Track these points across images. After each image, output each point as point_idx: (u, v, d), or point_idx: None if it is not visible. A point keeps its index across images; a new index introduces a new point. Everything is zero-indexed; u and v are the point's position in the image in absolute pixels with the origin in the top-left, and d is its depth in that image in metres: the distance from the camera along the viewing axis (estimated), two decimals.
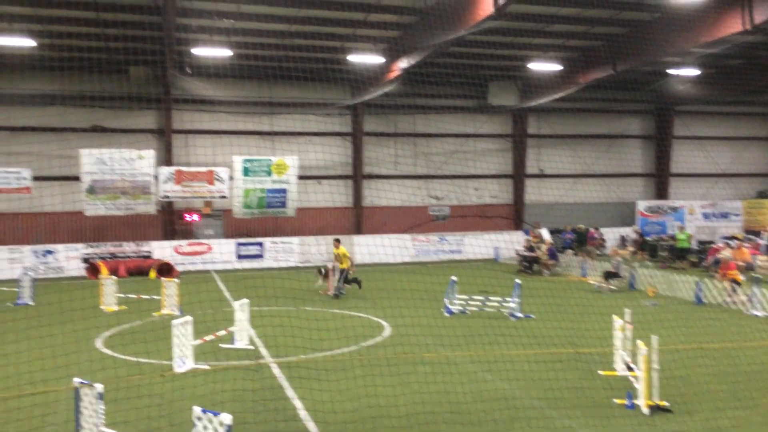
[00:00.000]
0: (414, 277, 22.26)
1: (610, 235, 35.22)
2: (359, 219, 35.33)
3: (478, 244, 33.24)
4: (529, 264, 27.13)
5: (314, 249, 32.47)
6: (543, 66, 31.38)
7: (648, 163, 40.82)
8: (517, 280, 17.39)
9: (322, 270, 22.27)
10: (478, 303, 17.62)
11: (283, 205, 31.59)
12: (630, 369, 10.53)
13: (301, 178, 31.96)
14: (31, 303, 20.34)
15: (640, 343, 9.32)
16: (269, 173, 31.18)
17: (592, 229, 33.89)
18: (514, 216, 38.02)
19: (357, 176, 35.28)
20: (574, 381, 10.61)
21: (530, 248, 27.84)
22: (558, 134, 38.53)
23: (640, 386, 9.31)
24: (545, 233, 29.93)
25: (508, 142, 38.00)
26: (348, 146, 35.43)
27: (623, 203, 38.95)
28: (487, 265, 29.32)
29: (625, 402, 9.43)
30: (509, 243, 32.33)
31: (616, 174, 39.42)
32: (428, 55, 26.37)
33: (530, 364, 11.68)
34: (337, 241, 22.07)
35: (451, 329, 15.04)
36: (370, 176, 35.68)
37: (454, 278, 17.69)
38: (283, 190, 31.43)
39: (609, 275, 21.94)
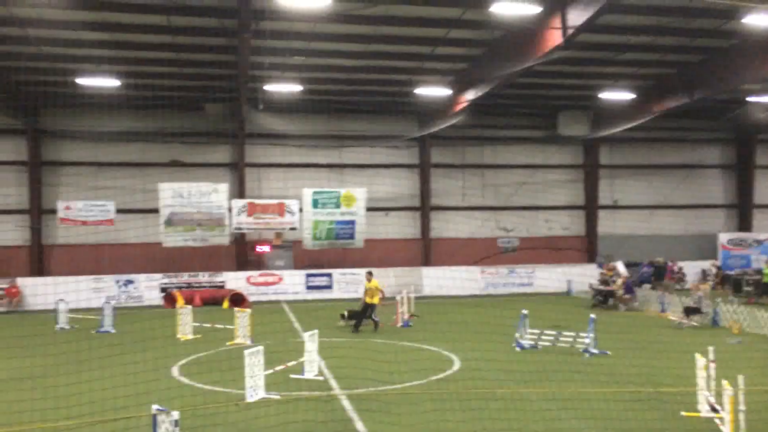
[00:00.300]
0: (483, 310, 21.95)
1: (690, 269, 33.77)
2: (427, 250, 35.23)
3: (549, 277, 32.49)
4: (604, 298, 26.27)
5: (383, 280, 32.45)
6: (615, 95, 30.76)
7: (729, 193, 39.08)
8: (592, 315, 16.85)
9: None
10: (550, 338, 17.15)
11: (351, 236, 31.91)
12: (715, 410, 9.97)
13: (368, 209, 32.25)
14: (112, 330, 21.16)
15: (725, 383, 8.83)
16: (338, 205, 31.63)
17: (670, 263, 32.56)
18: (587, 248, 37.05)
19: (424, 208, 35.31)
20: (654, 422, 10.13)
21: (605, 282, 27.00)
22: (632, 164, 37.52)
23: (726, 429, 8.79)
24: (620, 266, 28.97)
25: (580, 172, 37.27)
26: (415, 178, 35.58)
27: (703, 236, 37.37)
28: (559, 299, 28.62)
29: None
30: (582, 276, 31.49)
31: (694, 205, 37.94)
32: (496, 87, 26.33)
33: (607, 403, 11.22)
34: (370, 273, 21.07)
35: (523, 364, 14.67)
36: (438, 208, 35.64)
37: (524, 312, 17.32)
38: (352, 222, 31.77)
39: (690, 311, 20.97)
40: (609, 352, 15.95)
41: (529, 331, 17.37)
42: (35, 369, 13.82)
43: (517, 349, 16.63)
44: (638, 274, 31.62)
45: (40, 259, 31.62)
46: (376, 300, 19.69)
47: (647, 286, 29.34)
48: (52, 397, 11.38)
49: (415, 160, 35.55)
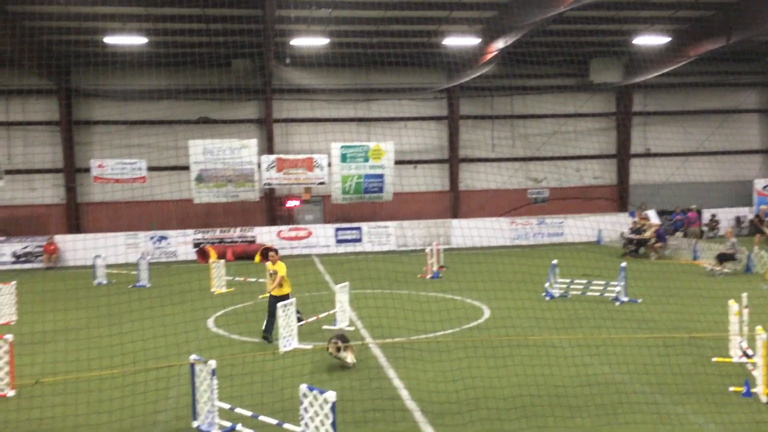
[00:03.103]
0: (512, 260, 21.88)
1: (724, 215, 33.15)
2: (456, 203, 35.15)
3: (579, 227, 32.23)
4: (635, 247, 26.03)
5: (410, 233, 32.66)
6: (649, 40, 29.82)
7: (766, 138, 37.99)
8: (622, 264, 16.74)
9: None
10: (580, 287, 17.12)
11: (380, 190, 31.93)
12: (747, 356, 9.91)
13: (397, 163, 32.15)
14: (148, 285, 21.69)
15: (758, 328, 8.75)
16: (366, 159, 31.58)
17: (703, 210, 31.97)
18: (618, 197, 36.56)
19: (453, 160, 35.06)
20: (684, 367, 10.13)
21: (636, 230, 26.69)
22: (666, 111, 36.58)
23: (759, 374, 8.75)
24: (652, 215, 28.57)
25: (612, 120, 36.50)
26: (444, 130, 35.26)
27: (739, 182, 36.52)
28: (590, 249, 28.42)
29: (742, 390, 8.90)
30: (613, 225, 31.16)
31: (730, 151, 36.94)
32: (526, 34, 25.71)
33: (637, 349, 11.25)
34: (275, 252, 14.24)
35: (552, 313, 14.72)
36: (467, 159, 35.37)
37: (554, 261, 17.27)
38: (380, 176, 31.74)
39: (723, 258, 20.66)
40: (639, 300, 15.88)
41: (559, 280, 17.35)
42: (79, 321, 14.30)
43: (547, 298, 16.65)
44: (671, 222, 31.20)
45: (77, 216, 32.35)
46: (286, 289, 13.20)
47: (679, 234, 28.94)
48: (95, 347, 11.81)
49: (444, 112, 35.15)
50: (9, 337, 9.88)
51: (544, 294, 16.87)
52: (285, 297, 12.81)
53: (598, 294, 16.60)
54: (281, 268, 13.10)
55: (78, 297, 16.53)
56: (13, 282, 16.44)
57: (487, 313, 15.13)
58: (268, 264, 13.84)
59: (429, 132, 34.90)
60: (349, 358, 10.57)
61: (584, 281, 17.31)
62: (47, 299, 17.87)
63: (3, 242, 29.97)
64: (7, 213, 31.52)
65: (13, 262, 29.86)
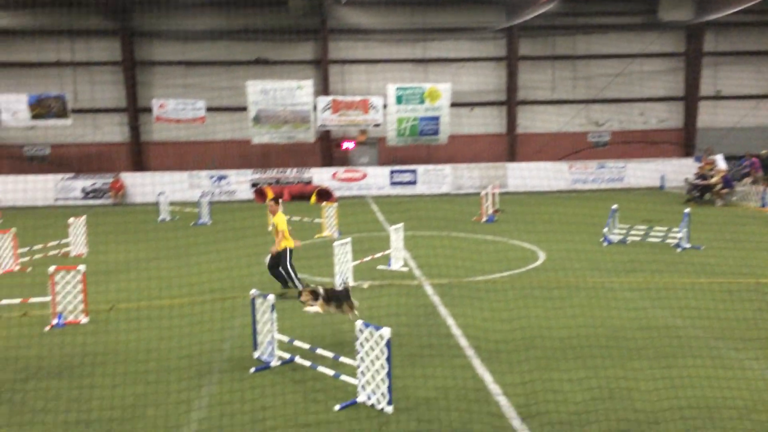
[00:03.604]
0: (569, 205, 21.56)
1: None
2: (513, 146, 34.54)
3: (641, 172, 31.32)
4: (700, 193, 25.17)
5: (466, 176, 32.40)
6: None
7: None
8: (686, 210, 16.24)
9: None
10: (640, 233, 16.76)
11: (435, 132, 31.65)
12: None
13: (453, 105, 31.69)
14: (208, 223, 22.34)
15: None
16: (422, 101, 31.22)
17: None
18: (684, 142, 35.18)
19: (511, 102, 34.28)
20: (745, 312, 9.89)
21: (702, 176, 25.75)
22: (740, 51, 34.56)
23: None
24: (720, 160, 27.44)
25: (680, 61, 34.80)
26: (502, 71, 34.37)
27: None
28: (652, 195, 27.67)
29: None
30: (677, 171, 30.16)
31: None
32: None
33: (699, 293, 11.02)
34: (275, 202, 12.23)
35: (610, 257, 14.50)
36: (525, 102, 34.52)
37: (614, 207, 16.90)
38: (436, 118, 31.40)
39: None
40: (702, 247, 15.46)
41: (618, 226, 17.02)
42: (145, 254, 14.91)
43: (605, 244, 16.38)
44: (738, 168, 29.93)
45: (140, 155, 33.32)
46: (290, 242, 11.81)
47: (748, 180, 27.78)
48: (160, 279, 12.33)
49: (502, 52, 34.18)
50: (82, 267, 10.40)
51: (602, 239, 16.59)
52: (283, 252, 11.67)
53: (659, 240, 16.23)
54: (280, 221, 11.71)
55: (143, 231, 17.17)
56: (84, 216, 17.19)
57: (542, 257, 15.03)
58: (270, 216, 12.66)
59: (487, 73, 34.13)
60: (351, 314, 9.64)
61: (645, 227, 16.93)
62: (115, 233, 18.64)
63: (73, 179, 31.22)
64: (76, 151, 32.71)
65: (83, 198, 31.15)
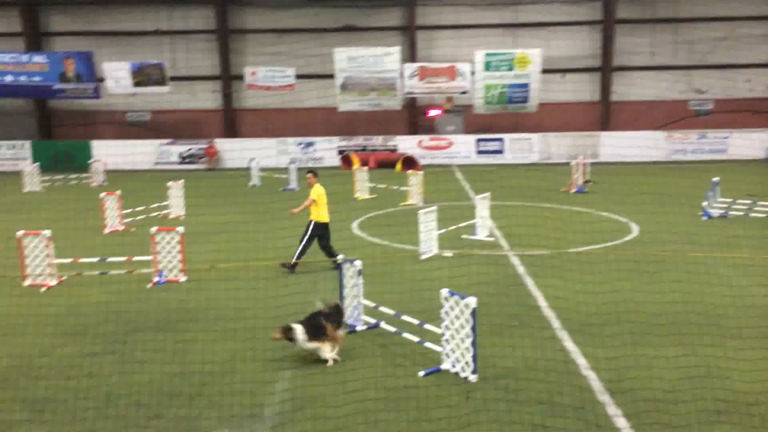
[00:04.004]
0: (667, 177, 20.60)
1: None
2: (606, 114, 33.23)
3: (746, 143, 29.44)
4: None
5: (555, 145, 31.53)
6: None
7: None
8: None
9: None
10: (743, 207, 15.84)
11: (524, 100, 30.89)
12: None
13: (544, 71, 30.75)
14: (297, 188, 22.88)
15: None
16: (511, 67, 30.48)
17: None
18: None
19: (606, 68, 32.87)
20: None
21: None
22: None
23: None
24: None
25: None
26: (597, 36, 32.93)
27: None
28: (757, 167, 26.00)
29: None
30: None
31: None
32: None
33: None
34: (313, 174, 11.83)
35: (708, 232, 13.81)
36: (621, 68, 33.01)
37: (715, 179, 16.02)
38: (525, 85, 30.61)
39: None
40: None
41: (719, 199, 16.14)
42: (238, 217, 15.48)
43: (704, 218, 15.60)
44: None
45: (232, 121, 34.38)
46: (323, 216, 11.42)
47: None
48: (252, 241, 12.80)
49: (598, 16, 32.71)
50: (181, 229, 10.94)
51: (700, 213, 15.80)
52: (324, 226, 11.36)
53: (763, 216, 15.30)
54: (314, 192, 11.31)
55: (235, 196, 17.79)
56: (181, 181, 17.99)
57: (635, 230, 14.50)
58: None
59: (580, 38, 32.83)
60: (327, 352, 7.24)
61: (748, 201, 15.98)
62: (209, 197, 19.44)
63: (170, 144, 32.67)
64: (173, 117, 34.14)
65: (179, 163, 32.57)
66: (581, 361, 7.16)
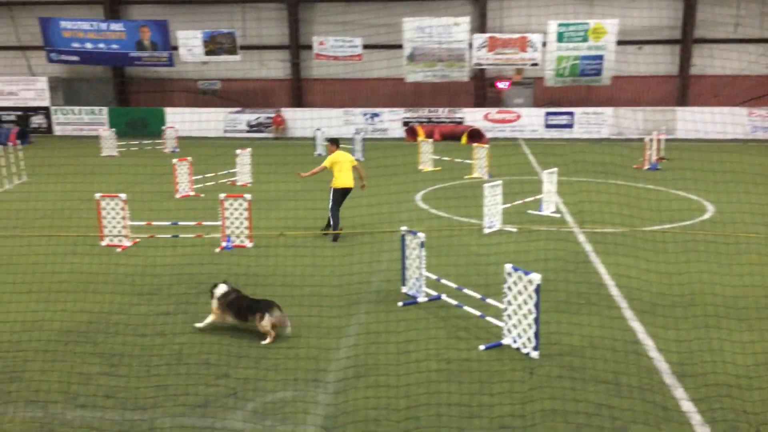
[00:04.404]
0: (748, 155, 19.61)
1: None
2: (684, 88, 31.80)
3: None
4: None
5: (629, 120, 30.46)
6: None
7: None
8: None
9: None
10: None
11: (597, 73, 29.87)
12: None
13: (619, 43, 29.60)
14: (361, 159, 22.99)
15: None
16: (585, 39, 29.48)
17: None
18: None
19: (686, 40, 31.37)
20: None
21: None
22: None
23: None
24: None
25: None
26: (677, 6, 31.42)
27: None
28: None
29: None
30: None
31: None
32: None
33: None
34: (335, 143, 12.34)
35: None
36: (702, 40, 31.43)
37: None
38: (599, 57, 29.58)
39: None
40: None
41: None
42: (303, 186, 15.70)
43: None
44: None
45: (299, 91, 34.70)
46: (345, 182, 11.75)
47: None
48: (317, 210, 12.97)
49: None
50: (248, 196, 11.18)
51: None
52: (341, 191, 11.61)
53: None
54: (327, 159, 11.75)
55: (301, 165, 18.02)
56: (249, 148, 18.34)
57: (710, 210, 13.93)
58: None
59: (659, 8, 31.36)
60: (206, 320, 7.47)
61: None
62: (276, 165, 19.76)
63: (239, 113, 33.31)
64: (242, 86, 34.73)
65: (247, 131, 33.20)
66: (648, 342, 6.98)
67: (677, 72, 31.88)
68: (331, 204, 11.65)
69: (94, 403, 5.76)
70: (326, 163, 11.76)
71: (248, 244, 11.18)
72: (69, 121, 33.81)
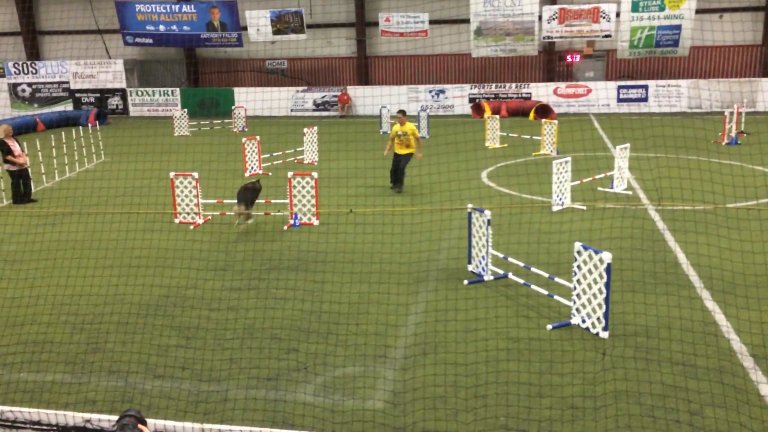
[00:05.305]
0: None
1: None
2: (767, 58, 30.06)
3: None
4: None
5: (707, 92, 29.06)
6: None
7: None
8: None
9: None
10: None
11: (674, 44, 28.51)
12: None
13: (698, 12, 28.12)
14: (427, 136, 22.86)
15: None
16: (662, 8, 28.14)
17: None
18: None
19: None
20: None
21: None
22: None
23: None
24: None
25: None
26: None
27: None
28: None
29: None
30: None
31: None
32: None
33: None
34: (401, 114, 14.22)
35: None
36: None
37: None
38: (677, 27, 28.20)
39: None
40: None
41: None
42: (371, 162, 15.77)
43: None
44: None
45: (365, 69, 34.70)
46: (412, 149, 13.80)
47: None
48: (381, 187, 13.03)
49: None
50: (315, 174, 11.33)
51: None
52: (409, 156, 13.50)
53: None
54: (413, 129, 13.56)
55: (367, 142, 18.10)
56: (316, 127, 18.53)
57: None
58: (396, 126, 13.77)
59: None
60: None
61: None
62: (342, 143, 19.91)
63: (306, 91, 33.65)
64: (309, 65, 35.02)
65: (313, 110, 33.54)
66: (724, 324, 6.72)
67: (761, 41, 30.10)
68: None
69: (171, 374, 6.02)
70: (418, 134, 13.76)
71: (315, 221, 11.35)
72: (144, 102, 35.00)
